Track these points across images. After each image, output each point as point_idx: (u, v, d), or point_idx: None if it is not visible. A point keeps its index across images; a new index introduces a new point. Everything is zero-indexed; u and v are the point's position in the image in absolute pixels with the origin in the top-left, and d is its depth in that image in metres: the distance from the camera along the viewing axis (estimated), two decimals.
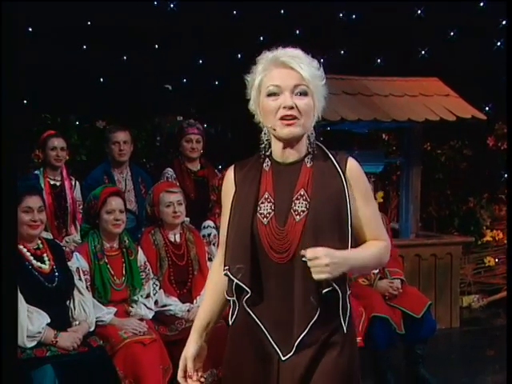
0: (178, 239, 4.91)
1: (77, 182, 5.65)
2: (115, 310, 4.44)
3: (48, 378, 3.87)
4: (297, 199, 2.04)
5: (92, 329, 4.20)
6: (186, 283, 4.90)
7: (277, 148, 2.10)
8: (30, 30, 7.39)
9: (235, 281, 2.06)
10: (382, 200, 6.51)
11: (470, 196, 7.71)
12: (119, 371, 4.18)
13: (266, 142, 2.10)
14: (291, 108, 1.98)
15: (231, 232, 2.14)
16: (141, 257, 4.60)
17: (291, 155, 2.09)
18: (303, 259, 1.94)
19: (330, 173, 2.07)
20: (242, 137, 7.78)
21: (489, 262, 7.30)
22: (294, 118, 1.99)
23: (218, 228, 5.02)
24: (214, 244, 5.10)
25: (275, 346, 2.03)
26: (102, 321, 4.38)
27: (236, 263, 2.05)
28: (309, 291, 1.99)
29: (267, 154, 2.15)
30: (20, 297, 3.89)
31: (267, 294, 2.06)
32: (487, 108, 7.71)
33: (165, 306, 4.75)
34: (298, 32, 8.57)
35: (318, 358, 2.04)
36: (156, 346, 4.36)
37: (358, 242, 2.13)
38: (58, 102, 7.27)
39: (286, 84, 2.00)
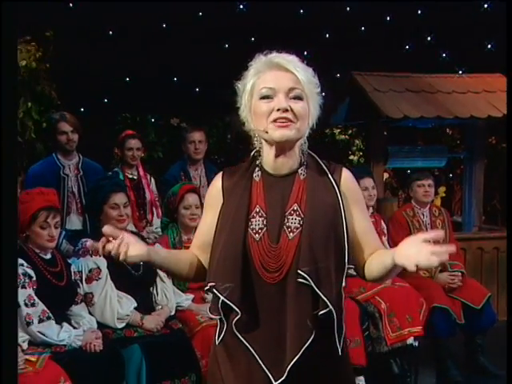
0: None
1: (152, 177, 5.83)
2: (192, 296, 4.62)
3: (136, 356, 4.10)
4: (290, 214, 1.89)
5: (173, 313, 4.40)
6: None
7: (269, 157, 1.95)
8: (110, 33, 7.78)
9: (222, 298, 1.89)
10: (444, 194, 6.46)
11: None
12: (197, 352, 4.31)
13: (256, 151, 1.97)
14: (286, 111, 1.83)
15: (218, 246, 1.95)
16: None
17: (283, 166, 1.95)
18: (299, 279, 1.83)
19: (324, 185, 1.94)
20: (309, 135, 7.98)
21: None
22: (289, 120, 1.85)
23: None
24: None
25: (266, 371, 1.87)
26: (181, 306, 4.57)
27: (224, 281, 1.88)
28: (302, 313, 1.85)
29: (257, 163, 2.00)
30: (111, 283, 4.23)
31: (257, 315, 1.90)
32: None
33: None
34: (362, 28, 8.57)
35: (311, 382, 1.92)
36: None
37: (357, 255, 2.01)
38: (136, 101, 7.47)
39: (280, 86, 1.85)
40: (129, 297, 4.22)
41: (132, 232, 4.64)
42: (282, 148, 1.91)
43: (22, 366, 3.59)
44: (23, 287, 3.86)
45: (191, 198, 4.71)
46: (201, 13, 8.18)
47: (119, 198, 4.34)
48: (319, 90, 1.94)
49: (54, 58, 6.45)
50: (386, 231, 5.46)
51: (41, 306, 3.89)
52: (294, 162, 1.95)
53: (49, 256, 4.08)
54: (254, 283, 1.88)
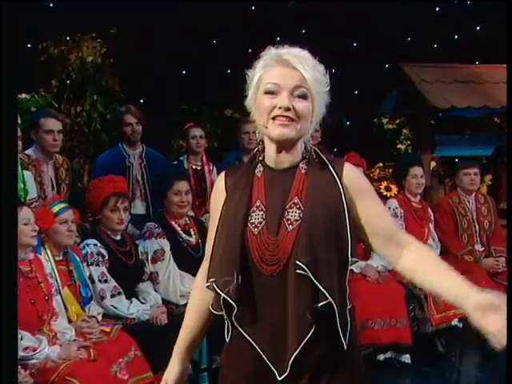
0: None
1: (214, 167, 5.84)
2: None
3: None
4: (290, 207, 1.80)
5: None
6: None
7: (270, 152, 1.87)
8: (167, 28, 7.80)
9: (222, 295, 1.80)
10: (490, 182, 6.38)
11: None
12: None
13: (259, 146, 1.90)
14: (288, 109, 1.74)
15: (219, 241, 1.88)
16: None
17: (285, 160, 1.85)
18: (297, 271, 1.73)
19: (326, 179, 1.84)
20: (358, 125, 7.95)
21: None
22: (290, 119, 1.76)
23: None
24: None
25: (270, 366, 1.78)
26: None
27: (223, 275, 1.79)
28: (303, 306, 1.75)
29: (260, 159, 1.91)
30: (173, 263, 4.48)
31: (258, 309, 1.81)
32: None
33: None
34: (411, 19, 8.24)
35: (316, 378, 1.82)
36: None
37: (373, 242, 1.89)
38: (193, 93, 7.52)
39: (285, 83, 1.75)
40: (190, 276, 4.39)
41: (193, 217, 4.92)
42: (282, 144, 1.83)
43: (97, 335, 3.88)
44: (97, 265, 4.15)
45: None
46: (253, 6, 8.21)
47: (182, 186, 4.55)
48: (327, 88, 1.84)
49: (117, 53, 6.59)
50: (432, 218, 5.51)
51: (112, 283, 4.16)
52: (296, 156, 1.86)
53: (119, 237, 4.33)
54: (253, 276, 1.81)
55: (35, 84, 6.31)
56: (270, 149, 1.85)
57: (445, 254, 5.31)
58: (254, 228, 1.81)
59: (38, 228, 3.78)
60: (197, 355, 4.33)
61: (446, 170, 6.33)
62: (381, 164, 6.49)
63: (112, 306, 4.22)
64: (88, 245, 4.28)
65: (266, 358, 1.79)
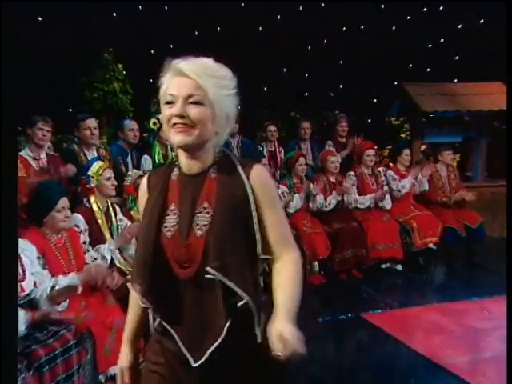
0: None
1: (282, 149, 5.65)
2: None
3: None
4: (199, 212, 1.31)
5: None
6: None
7: (181, 158, 1.37)
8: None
9: (136, 294, 1.37)
10: (459, 159, 6.28)
11: None
12: None
13: (175, 152, 1.40)
14: (182, 117, 1.27)
15: (138, 242, 1.41)
16: None
17: (195, 166, 1.35)
18: (208, 276, 1.26)
19: (234, 182, 1.33)
20: (375, 122, 7.76)
21: None
22: (187, 126, 1.27)
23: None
24: None
25: (186, 353, 1.33)
26: None
27: (138, 276, 1.34)
28: (219, 304, 1.29)
29: (177, 163, 1.40)
30: None
31: (177, 307, 1.34)
32: None
33: None
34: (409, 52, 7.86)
35: (230, 367, 1.34)
36: None
37: (265, 247, 1.35)
38: (272, 101, 7.17)
39: (179, 93, 1.27)
40: None
41: None
42: (188, 150, 1.33)
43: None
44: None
45: (301, 159, 4.90)
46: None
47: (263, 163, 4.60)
48: (232, 92, 1.32)
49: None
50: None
51: None
52: (206, 161, 1.35)
53: None
54: (169, 278, 1.32)
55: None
56: (180, 155, 1.37)
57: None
58: (167, 231, 1.33)
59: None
60: None
61: (431, 150, 6.31)
62: (390, 146, 6.48)
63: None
64: None
65: (182, 346, 1.33)
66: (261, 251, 1.33)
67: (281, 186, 4.75)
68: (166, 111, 1.30)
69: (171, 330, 1.34)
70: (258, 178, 1.35)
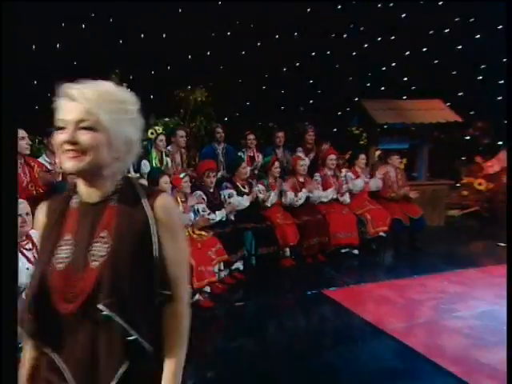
0: None
1: (260, 155, 5.46)
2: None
3: (249, 235, 4.38)
4: (97, 242, 1.03)
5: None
6: None
7: (80, 185, 1.10)
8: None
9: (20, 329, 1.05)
10: (406, 162, 6.30)
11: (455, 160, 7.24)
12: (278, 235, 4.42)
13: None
14: (73, 143, 1.01)
15: (32, 273, 1.08)
16: None
17: (94, 193, 1.08)
18: (102, 312, 0.98)
19: (136, 212, 1.06)
20: (339, 131, 7.65)
21: (464, 192, 6.75)
22: (78, 152, 1.01)
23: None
24: None
25: None
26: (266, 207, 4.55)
27: (23, 310, 1.03)
28: (113, 341, 1.01)
29: (76, 190, 1.11)
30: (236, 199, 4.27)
31: (67, 346, 1.03)
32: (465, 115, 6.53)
33: None
34: (369, 74, 7.90)
35: None
36: None
37: (164, 282, 1.08)
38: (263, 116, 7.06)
39: (69, 118, 1.02)
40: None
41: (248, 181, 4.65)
42: (85, 177, 1.07)
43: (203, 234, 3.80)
44: (201, 202, 4.09)
45: (276, 163, 4.92)
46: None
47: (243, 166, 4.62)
48: (133, 116, 1.07)
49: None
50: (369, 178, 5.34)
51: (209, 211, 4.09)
52: (106, 189, 1.08)
53: (211, 190, 4.32)
54: (55, 313, 1.01)
55: (172, 113, 6.19)
56: (79, 182, 1.10)
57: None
58: (58, 264, 1.04)
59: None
60: (248, 246, 4.34)
61: (383, 155, 6.37)
62: (350, 152, 6.39)
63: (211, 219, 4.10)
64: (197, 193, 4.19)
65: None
66: (159, 287, 1.05)
67: (258, 184, 4.79)
68: (57, 137, 1.03)
69: (63, 370, 1.04)
70: (163, 209, 1.08)
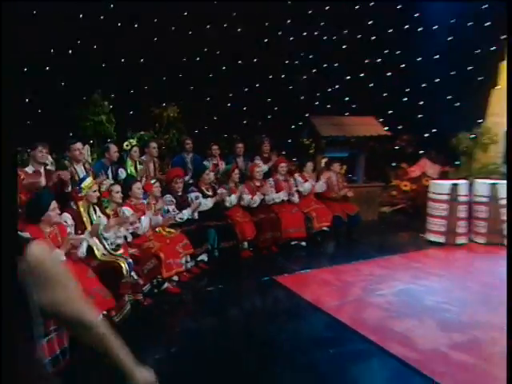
0: None
1: (223, 162, 5.32)
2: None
3: (212, 232, 4.30)
4: None
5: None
6: None
7: None
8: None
9: None
10: (346, 168, 6.37)
11: (386, 166, 7.32)
12: (237, 230, 4.36)
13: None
14: None
15: None
16: None
17: None
18: None
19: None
20: (293, 143, 7.54)
21: (393, 193, 6.84)
22: None
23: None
24: None
25: None
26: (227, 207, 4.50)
27: None
28: None
29: None
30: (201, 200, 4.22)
31: None
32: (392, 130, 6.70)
33: None
34: (317, 94, 8.06)
35: None
36: None
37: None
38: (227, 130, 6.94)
39: None
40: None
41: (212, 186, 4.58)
42: None
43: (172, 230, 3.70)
44: (170, 203, 4.05)
45: (236, 170, 4.90)
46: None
47: (207, 173, 4.49)
48: None
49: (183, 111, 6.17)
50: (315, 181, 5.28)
51: (176, 211, 4.02)
52: None
53: (180, 193, 4.26)
54: None
55: (147, 127, 6.07)
56: None
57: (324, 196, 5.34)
58: None
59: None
60: (212, 241, 4.26)
61: (328, 162, 6.41)
62: (296, 160, 6.38)
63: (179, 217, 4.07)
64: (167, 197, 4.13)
65: None
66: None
67: (220, 188, 4.76)
68: None
69: None
70: (34, 257, 0.87)
